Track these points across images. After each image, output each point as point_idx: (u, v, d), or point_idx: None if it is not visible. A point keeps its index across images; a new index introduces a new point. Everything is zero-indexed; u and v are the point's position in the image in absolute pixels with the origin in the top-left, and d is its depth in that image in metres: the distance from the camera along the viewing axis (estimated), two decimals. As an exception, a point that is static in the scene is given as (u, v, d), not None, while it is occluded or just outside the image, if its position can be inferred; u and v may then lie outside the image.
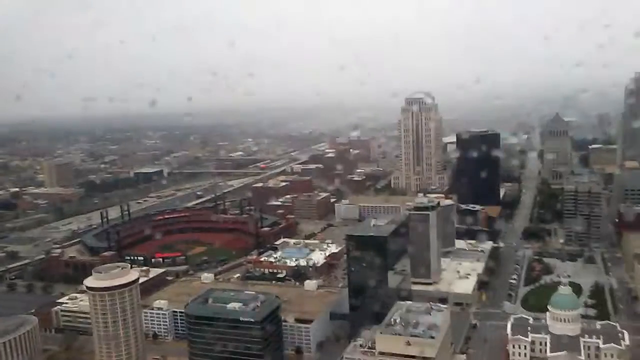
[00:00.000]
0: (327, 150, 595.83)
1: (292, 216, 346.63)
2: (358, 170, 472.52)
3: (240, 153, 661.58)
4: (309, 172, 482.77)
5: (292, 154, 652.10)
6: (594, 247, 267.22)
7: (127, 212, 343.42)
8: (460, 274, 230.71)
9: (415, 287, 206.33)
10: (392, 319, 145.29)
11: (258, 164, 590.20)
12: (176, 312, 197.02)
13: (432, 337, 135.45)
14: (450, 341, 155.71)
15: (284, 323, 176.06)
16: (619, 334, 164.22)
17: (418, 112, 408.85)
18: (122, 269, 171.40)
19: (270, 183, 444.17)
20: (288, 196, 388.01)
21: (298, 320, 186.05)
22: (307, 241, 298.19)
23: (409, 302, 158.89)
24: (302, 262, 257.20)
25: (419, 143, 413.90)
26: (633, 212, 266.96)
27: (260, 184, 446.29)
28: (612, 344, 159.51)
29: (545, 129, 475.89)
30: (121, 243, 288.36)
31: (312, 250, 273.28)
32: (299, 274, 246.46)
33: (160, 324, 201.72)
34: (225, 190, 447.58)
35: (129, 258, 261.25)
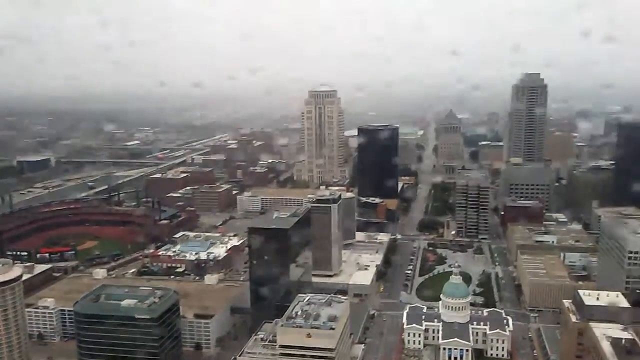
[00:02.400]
0: (229, 141, 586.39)
1: (193, 208, 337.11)
2: (261, 162, 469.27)
3: (137, 142, 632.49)
4: (210, 163, 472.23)
5: (194, 144, 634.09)
6: (483, 239, 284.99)
7: (8, 204, 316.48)
8: (359, 266, 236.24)
9: (316, 279, 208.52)
10: (293, 312, 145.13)
11: (156, 154, 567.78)
12: (64, 310, 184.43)
13: (332, 329, 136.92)
14: (349, 332, 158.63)
15: (182, 319, 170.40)
16: (504, 320, 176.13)
17: (321, 105, 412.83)
18: (2, 265, 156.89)
19: (170, 174, 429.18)
20: (188, 188, 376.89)
21: (197, 316, 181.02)
22: (208, 234, 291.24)
23: (310, 295, 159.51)
24: (203, 256, 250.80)
25: (321, 136, 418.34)
26: (516, 206, 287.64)
27: (158, 175, 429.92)
28: (498, 330, 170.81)
29: (439, 124, 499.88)
30: (1, 237, 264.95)
31: (213, 244, 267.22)
32: (199, 268, 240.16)
33: (46, 324, 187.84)
34: (121, 181, 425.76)
35: (10, 253, 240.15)
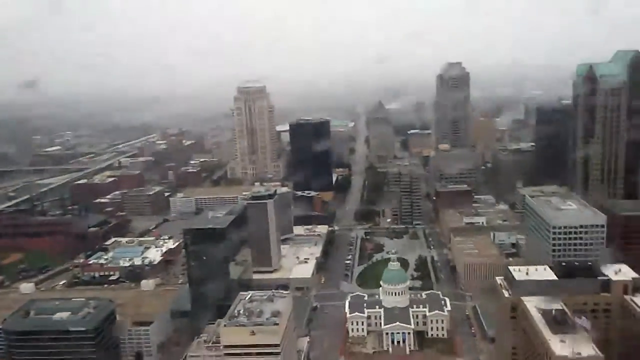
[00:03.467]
0: (158, 142, 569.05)
1: (123, 213, 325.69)
2: (192, 162, 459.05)
3: (58, 147, 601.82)
4: (139, 166, 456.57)
5: (120, 146, 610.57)
6: (417, 224, 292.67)
7: None
8: (299, 259, 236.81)
9: (257, 276, 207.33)
10: (235, 311, 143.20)
11: (80, 159, 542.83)
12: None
13: (276, 324, 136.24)
14: (294, 326, 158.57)
15: (120, 328, 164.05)
16: (442, 301, 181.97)
17: (251, 101, 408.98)
18: None
19: (96, 179, 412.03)
20: (117, 192, 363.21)
21: (136, 323, 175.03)
22: (141, 239, 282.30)
23: (251, 292, 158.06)
24: (137, 261, 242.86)
25: (253, 132, 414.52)
26: (446, 190, 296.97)
27: (84, 181, 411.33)
28: (437, 311, 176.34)
29: (369, 116, 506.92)
30: None
31: (148, 248, 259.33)
32: (135, 274, 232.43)
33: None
34: (44, 189, 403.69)
35: None
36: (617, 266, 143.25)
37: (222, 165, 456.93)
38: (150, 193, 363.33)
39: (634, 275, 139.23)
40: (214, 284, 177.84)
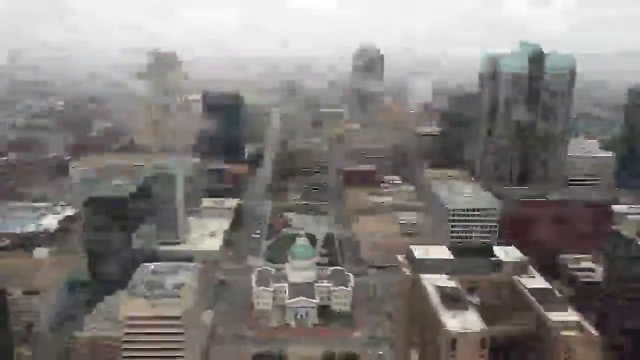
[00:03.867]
0: (59, 104, 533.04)
1: (16, 178, 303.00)
2: (96, 127, 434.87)
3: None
4: (37, 128, 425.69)
5: (16, 106, 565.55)
6: (326, 202, 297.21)
7: None
8: (207, 232, 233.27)
9: (162, 248, 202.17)
10: (136, 282, 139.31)
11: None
12: None
13: (178, 297, 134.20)
14: (198, 298, 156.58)
15: (9, 297, 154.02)
16: (346, 277, 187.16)
17: (161, 67, 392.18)
18: None
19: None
20: (12, 154, 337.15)
21: (27, 293, 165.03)
22: (36, 204, 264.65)
23: (155, 264, 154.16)
24: (31, 228, 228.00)
25: (163, 100, 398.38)
26: (355, 170, 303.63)
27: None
28: (341, 287, 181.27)
29: (283, 92, 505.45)
30: None
31: (43, 215, 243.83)
32: (28, 242, 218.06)
33: None
34: None
35: None
36: (508, 248, 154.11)
37: (127, 132, 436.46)
38: (48, 157, 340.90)
39: (522, 257, 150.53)
40: (114, 254, 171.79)
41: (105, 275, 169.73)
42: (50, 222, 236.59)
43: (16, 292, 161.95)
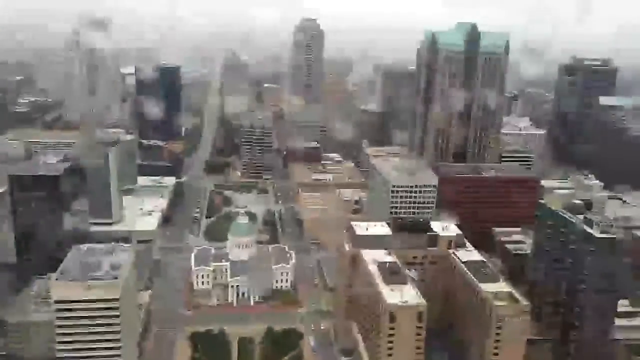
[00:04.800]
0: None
1: None
2: (21, 100, 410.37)
3: None
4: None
5: None
6: (267, 179, 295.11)
7: None
8: (143, 211, 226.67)
9: (95, 228, 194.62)
10: (69, 264, 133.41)
11: None
12: None
13: (115, 278, 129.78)
14: (134, 279, 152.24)
15: None
16: (288, 254, 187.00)
17: (89, 37, 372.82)
18: None
19: None
20: None
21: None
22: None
23: (88, 245, 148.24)
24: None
25: (94, 71, 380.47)
26: (297, 146, 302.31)
27: None
28: (282, 264, 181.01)
29: (224, 64, 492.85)
30: None
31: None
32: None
33: None
34: None
35: None
36: (444, 223, 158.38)
37: (56, 106, 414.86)
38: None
39: (458, 232, 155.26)
40: (44, 234, 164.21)
41: (33, 257, 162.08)
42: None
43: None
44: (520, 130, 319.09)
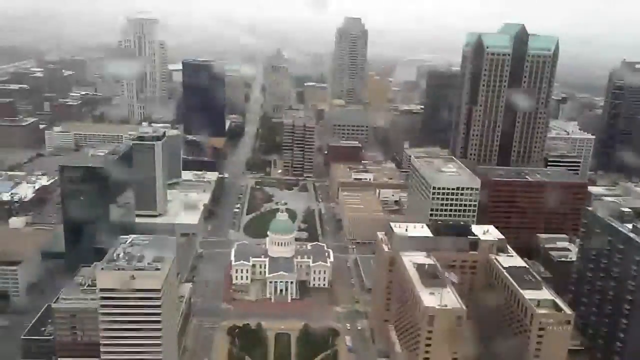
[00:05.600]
0: (33, 69, 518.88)
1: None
2: (72, 94, 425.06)
3: None
4: (10, 93, 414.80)
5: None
6: (308, 177, 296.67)
7: None
8: (186, 205, 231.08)
9: (140, 220, 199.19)
10: (114, 254, 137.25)
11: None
12: None
13: (158, 269, 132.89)
14: (176, 272, 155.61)
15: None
16: (326, 253, 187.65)
17: (141, 35, 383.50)
18: None
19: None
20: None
21: (2, 263, 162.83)
22: (10, 173, 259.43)
23: (133, 236, 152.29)
24: (5, 197, 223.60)
25: (142, 68, 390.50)
26: (338, 145, 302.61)
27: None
28: (320, 262, 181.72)
29: (267, 64, 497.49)
30: None
31: (18, 184, 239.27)
32: (2, 211, 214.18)
33: None
34: None
35: None
36: (486, 227, 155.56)
37: (106, 101, 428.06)
38: (23, 124, 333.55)
39: (500, 236, 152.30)
40: (91, 225, 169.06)
41: (81, 246, 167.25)
42: (26, 191, 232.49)
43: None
44: (567, 134, 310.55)
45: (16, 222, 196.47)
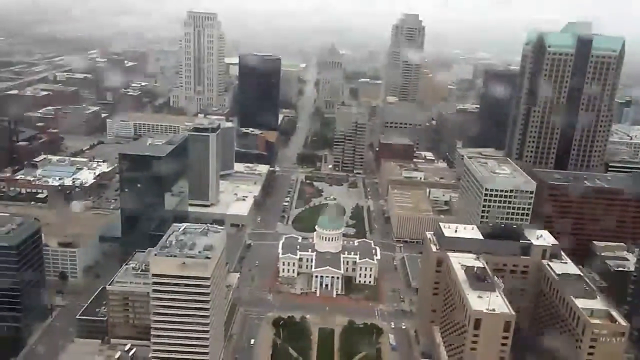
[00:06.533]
0: (98, 59, 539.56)
1: (55, 130, 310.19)
2: (133, 85, 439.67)
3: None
4: (76, 82, 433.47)
5: (55, 59, 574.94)
6: (358, 173, 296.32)
7: None
8: (237, 196, 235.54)
9: (192, 209, 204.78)
10: (167, 241, 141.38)
11: (12, 68, 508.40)
12: None
13: (208, 258, 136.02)
14: (225, 261, 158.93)
15: (45, 247, 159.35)
16: (373, 250, 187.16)
17: (200, 28, 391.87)
18: None
19: (28, 91, 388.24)
20: (50, 107, 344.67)
21: (62, 244, 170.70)
22: (73, 159, 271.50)
23: (185, 224, 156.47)
24: (68, 182, 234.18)
25: (200, 61, 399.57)
26: (390, 143, 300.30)
27: (15, 92, 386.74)
28: (367, 259, 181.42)
29: (321, 59, 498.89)
30: None
31: (80, 169, 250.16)
32: (64, 195, 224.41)
33: None
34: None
35: None
36: (539, 232, 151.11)
37: (165, 92, 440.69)
38: (87, 112, 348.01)
39: (553, 241, 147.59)
40: (147, 212, 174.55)
41: (136, 232, 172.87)
42: (86, 176, 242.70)
43: (52, 243, 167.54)
44: (630, 139, 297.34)
45: (77, 206, 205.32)
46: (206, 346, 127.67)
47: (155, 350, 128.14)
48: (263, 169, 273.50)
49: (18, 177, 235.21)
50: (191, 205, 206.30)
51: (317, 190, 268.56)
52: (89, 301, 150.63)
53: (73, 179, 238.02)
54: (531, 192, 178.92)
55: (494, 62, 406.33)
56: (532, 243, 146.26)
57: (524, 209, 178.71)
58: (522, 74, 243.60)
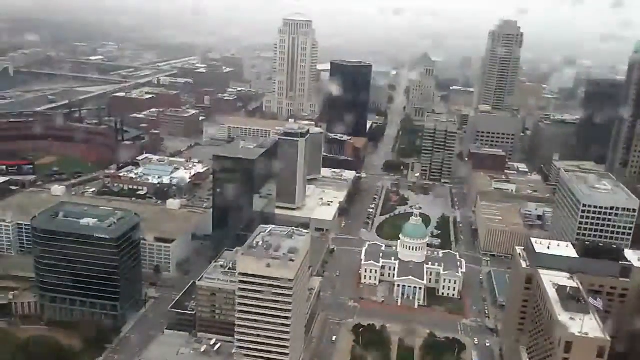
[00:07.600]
0: (198, 65, 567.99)
1: (157, 131, 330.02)
2: (229, 90, 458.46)
3: (101, 57, 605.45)
4: (177, 87, 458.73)
5: (160, 64, 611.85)
6: (445, 183, 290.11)
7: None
8: (323, 201, 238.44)
9: (279, 212, 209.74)
10: (254, 242, 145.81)
11: (120, 72, 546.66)
12: (21, 225, 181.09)
13: (292, 260, 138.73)
14: (308, 264, 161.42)
15: (143, 242, 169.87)
16: (458, 262, 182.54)
17: (295, 35, 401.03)
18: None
19: (134, 94, 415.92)
20: (153, 110, 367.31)
21: (158, 240, 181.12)
22: (171, 159, 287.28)
23: (272, 226, 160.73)
24: (166, 180, 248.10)
25: (293, 67, 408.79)
26: (481, 153, 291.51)
27: (122, 94, 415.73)
28: (451, 271, 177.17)
29: (413, 66, 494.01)
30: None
31: (177, 169, 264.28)
32: (162, 192, 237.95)
33: (2, 237, 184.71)
34: (82, 97, 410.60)
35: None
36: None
37: (258, 97, 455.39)
38: (186, 115, 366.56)
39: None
40: (236, 212, 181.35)
41: (226, 231, 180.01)
42: (183, 175, 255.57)
43: (149, 237, 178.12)
44: None
45: (173, 203, 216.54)
46: (287, 346, 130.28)
47: (238, 347, 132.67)
48: (349, 174, 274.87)
49: (122, 174, 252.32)
50: (278, 207, 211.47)
51: (402, 198, 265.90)
52: (180, 295, 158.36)
53: (171, 177, 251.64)
54: (634, 210, 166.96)
55: (598, 71, 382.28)
56: (633, 265, 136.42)
57: (625, 227, 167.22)
58: (628, 84, 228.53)
